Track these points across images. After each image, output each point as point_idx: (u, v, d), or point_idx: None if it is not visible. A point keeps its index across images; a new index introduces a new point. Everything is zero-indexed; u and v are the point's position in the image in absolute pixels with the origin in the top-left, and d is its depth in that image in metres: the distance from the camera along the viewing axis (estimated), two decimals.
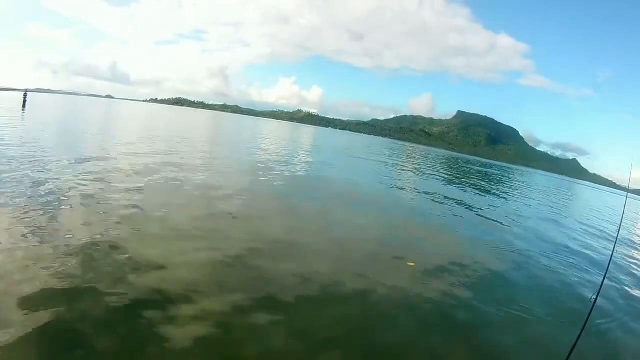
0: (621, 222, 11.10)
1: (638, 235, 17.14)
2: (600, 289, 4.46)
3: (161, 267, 4.78)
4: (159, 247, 5.41)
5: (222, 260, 5.33)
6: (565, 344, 2.94)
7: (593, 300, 3.95)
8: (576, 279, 7.83)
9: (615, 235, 12.61)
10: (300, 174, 14.68)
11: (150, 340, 3.45)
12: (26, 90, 35.79)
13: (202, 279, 4.67)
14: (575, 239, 12.36)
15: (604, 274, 5.49)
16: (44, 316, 3.46)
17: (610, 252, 7.36)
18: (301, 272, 5.42)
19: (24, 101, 32.07)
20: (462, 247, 8.84)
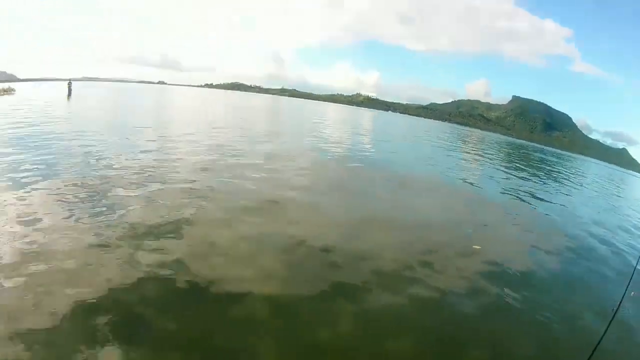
0: None
1: None
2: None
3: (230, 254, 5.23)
4: (224, 230, 5.98)
5: (291, 243, 5.86)
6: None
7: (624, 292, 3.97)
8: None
9: None
10: (377, 162, 15.60)
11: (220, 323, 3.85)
12: (70, 80, 35.70)
13: (271, 265, 5.08)
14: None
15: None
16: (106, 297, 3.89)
17: None
18: (371, 256, 5.90)
19: (69, 90, 32.76)
20: (530, 232, 9.31)
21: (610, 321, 3.33)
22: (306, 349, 3.67)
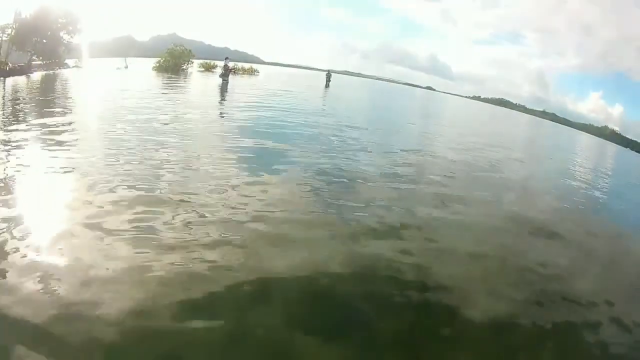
0: None
1: None
2: None
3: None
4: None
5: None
6: None
7: None
8: None
9: None
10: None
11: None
12: (329, 71, 36.06)
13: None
14: None
15: None
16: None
17: None
18: None
19: (328, 80, 33.41)
20: None
21: None
22: None
